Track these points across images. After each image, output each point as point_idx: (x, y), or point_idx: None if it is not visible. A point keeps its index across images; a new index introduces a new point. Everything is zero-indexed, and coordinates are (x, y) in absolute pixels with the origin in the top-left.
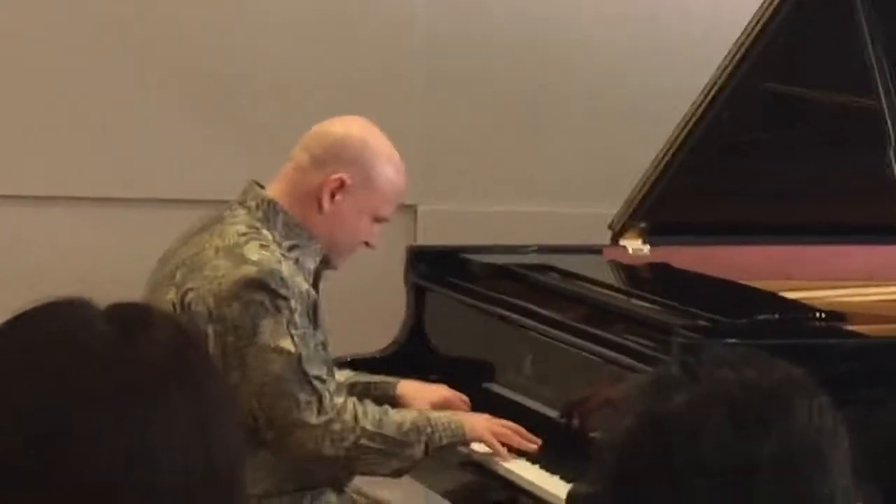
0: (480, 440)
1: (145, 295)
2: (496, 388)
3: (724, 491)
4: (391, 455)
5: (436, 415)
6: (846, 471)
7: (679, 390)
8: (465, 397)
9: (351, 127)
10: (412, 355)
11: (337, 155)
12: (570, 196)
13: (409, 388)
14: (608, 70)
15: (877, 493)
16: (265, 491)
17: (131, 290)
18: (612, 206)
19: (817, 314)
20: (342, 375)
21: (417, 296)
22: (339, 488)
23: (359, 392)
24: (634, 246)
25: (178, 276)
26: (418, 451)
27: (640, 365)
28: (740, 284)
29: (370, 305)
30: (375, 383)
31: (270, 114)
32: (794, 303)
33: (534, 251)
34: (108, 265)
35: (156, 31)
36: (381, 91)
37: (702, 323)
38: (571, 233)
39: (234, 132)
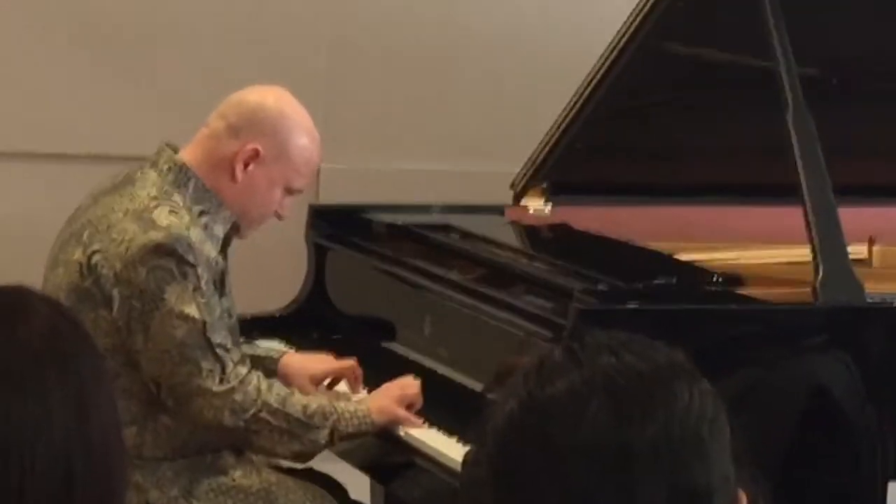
0: (393, 421)
1: (53, 252)
2: (397, 348)
3: (603, 477)
4: (293, 436)
5: (342, 403)
6: (727, 458)
7: (561, 375)
8: (352, 364)
9: (268, 97)
10: (313, 314)
11: (252, 125)
12: (472, 154)
13: (291, 362)
14: (512, 28)
15: (759, 479)
16: (164, 454)
17: (40, 246)
18: (515, 165)
19: (714, 278)
20: None
21: (319, 255)
22: (240, 451)
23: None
24: (536, 206)
25: (85, 235)
26: (322, 436)
27: (537, 328)
28: (639, 247)
29: (271, 263)
30: (259, 357)
31: (179, 70)
32: (692, 266)
33: (436, 211)
34: (19, 221)
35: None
36: (285, 48)
37: (600, 287)
38: (474, 192)
39: (145, 89)
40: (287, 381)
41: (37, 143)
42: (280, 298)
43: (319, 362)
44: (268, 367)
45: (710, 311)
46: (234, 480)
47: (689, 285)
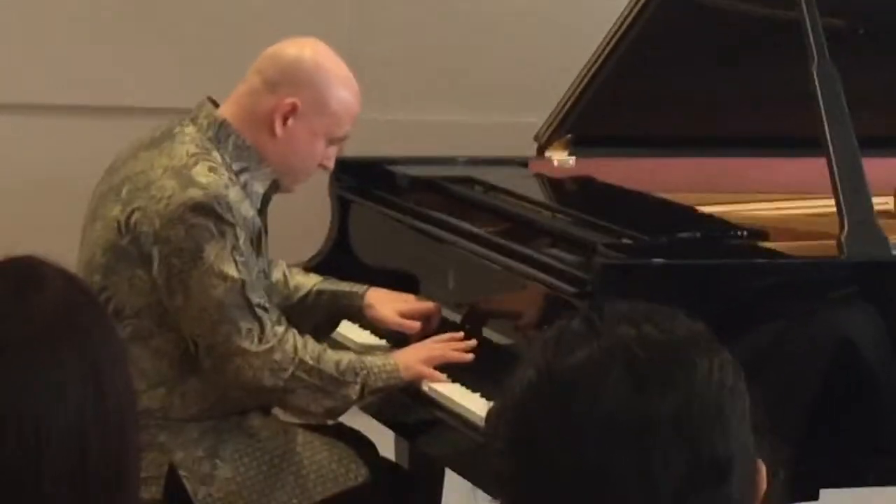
0: (419, 377)
1: (91, 205)
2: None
3: (622, 448)
4: (326, 393)
5: (370, 358)
6: (746, 428)
7: (580, 346)
8: (434, 306)
9: (304, 49)
10: (337, 267)
11: (289, 78)
12: (498, 106)
13: (376, 296)
14: None
15: (779, 448)
16: (191, 416)
17: (78, 198)
18: (541, 116)
19: (739, 232)
20: (310, 280)
21: (342, 207)
22: (267, 411)
23: (325, 301)
24: (560, 158)
25: (124, 192)
26: (353, 391)
27: (561, 283)
28: (664, 200)
29: (295, 215)
30: (343, 292)
31: (207, 24)
32: (716, 220)
33: (460, 163)
34: (56, 172)
35: None
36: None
37: (624, 241)
38: (498, 143)
39: (177, 42)
40: (373, 312)
41: (73, 96)
42: (304, 250)
43: (405, 298)
44: (351, 300)
45: (733, 266)
46: (259, 442)
47: (713, 240)
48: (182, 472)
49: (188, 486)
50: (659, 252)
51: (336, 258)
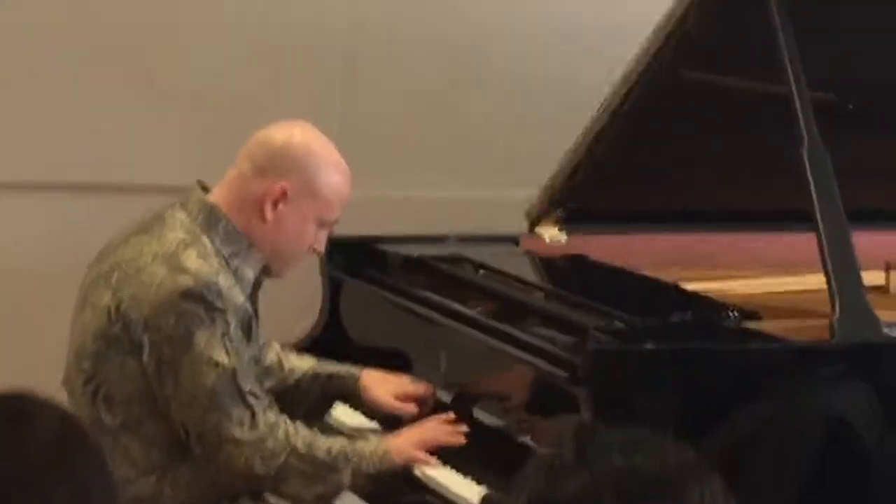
0: (411, 461)
1: (81, 291)
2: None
3: None
4: (318, 479)
5: (362, 443)
6: None
7: (571, 477)
8: (427, 388)
9: (293, 133)
10: (329, 346)
11: (279, 162)
12: (486, 181)
13: (372, 378)
14: (525, 55)
15: None
16: (182, 503)
17: (70, 277)
18: (527, 191)
19: (731, 313)
20: (304, 363)
21: (334, 287)
22: (257, 496)
23: (320, 384)
24: (551, 234)
25: (114, 279)
26: (345, 477)
27: (553, 368)
28: (655, 279)
29: (286, 294)
30: (339, 374)
31: (207, 100)
32: (708, 300)
33: (452, 240)
34: (51, 254)
35: (110, 18)
36: (300, 76)
37: (615, 324)
38: (488, 219)
39: (177, 121)
40: (369, 395)
41: (68, 174)
42: (296, 329)
43: (398, 384)
44: (345, 384)
45: (726, 351)
46: None
47: (705, 322)
48: None
49: None
50: (651, 335)
51: (328, 337)
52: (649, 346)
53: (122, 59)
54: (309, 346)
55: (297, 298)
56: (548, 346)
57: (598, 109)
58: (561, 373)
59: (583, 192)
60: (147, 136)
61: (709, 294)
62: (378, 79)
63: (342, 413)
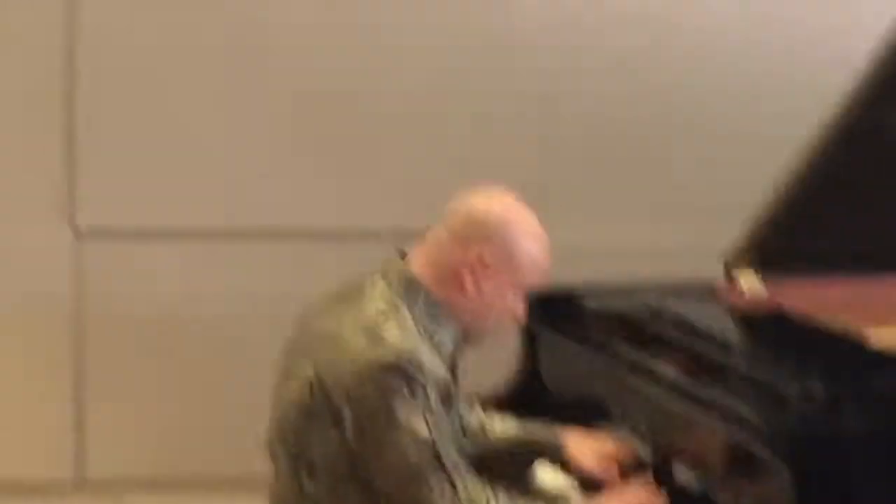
0: None
1: (283, 361)
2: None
3: None
4: None
5: None
6: None
7: None
8: (630, 450)
9: (492, 203)
10: (527, 399)
11: (478, 232)
12: (683, 225)
13: (574, 440)
14: (718, 89)
15: None
16: None
17: (253, 326)
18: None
19: None
20: (508, 427)
21: (530, 340)
22: None
23: (522, 446)
24: (748, 280)
25: (314, 349)
26: None
27: (746, 436)
28: (859, 343)
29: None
30: (539, 438)
31: (419, 147)
32: None
33: (648, 290)
34: (228, 300)
35: (273, 65)
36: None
37: (815, 395)
38: (685, 263)
39: (342, 163)
40: (573, 462)
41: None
42: (493, 381)
43: (601, 445)
44: (550, 446)
45: None
46: None
47: None
48: None
49: None
50: (856, 415)
51: (526, 391)
52: (852, 430)
53: (322, 106)
54: (507, 397)
55: (495, 349)
56: (745, 412)
57: (801, 157)
58: (757, 445)
59: (781, 239)
60: (357, 180)
61: None
62: (577, 117)
63: (541, 471)
